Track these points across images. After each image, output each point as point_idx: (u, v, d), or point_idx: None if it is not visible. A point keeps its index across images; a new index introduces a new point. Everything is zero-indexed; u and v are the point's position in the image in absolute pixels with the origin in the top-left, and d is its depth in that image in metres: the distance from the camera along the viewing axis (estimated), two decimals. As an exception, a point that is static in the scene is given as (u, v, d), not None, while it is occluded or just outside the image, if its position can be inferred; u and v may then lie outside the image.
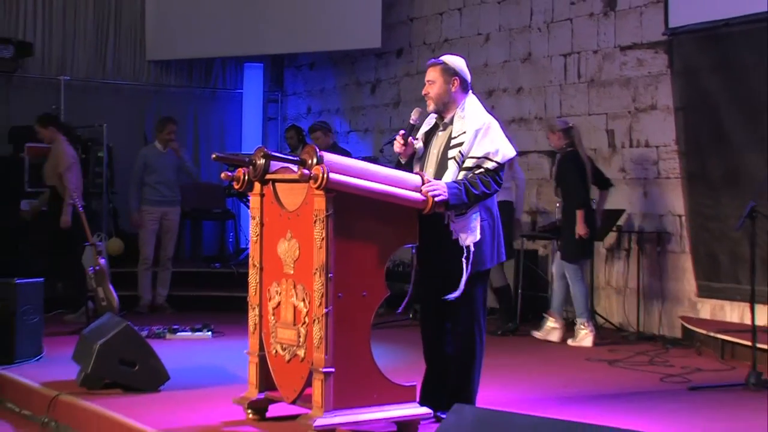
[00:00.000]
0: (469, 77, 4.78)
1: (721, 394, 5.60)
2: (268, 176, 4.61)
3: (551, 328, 7.52)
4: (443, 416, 3.59)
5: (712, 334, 6.91)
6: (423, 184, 4.44)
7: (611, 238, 8.22)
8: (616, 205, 8.15)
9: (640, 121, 8.15)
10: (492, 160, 4.52)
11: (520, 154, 9.06)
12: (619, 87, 8.32)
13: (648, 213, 8.07)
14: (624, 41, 8.28)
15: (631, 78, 8.22)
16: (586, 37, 8.59)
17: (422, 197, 4.38)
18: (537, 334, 7.55)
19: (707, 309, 7.55)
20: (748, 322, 6.20)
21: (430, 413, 4.47)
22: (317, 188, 4.17)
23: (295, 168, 4.39)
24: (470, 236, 4.49)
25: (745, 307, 7.01)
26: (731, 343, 6.71)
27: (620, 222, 8.06)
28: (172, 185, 9.00)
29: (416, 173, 4.54)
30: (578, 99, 8.67)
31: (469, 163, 4.51)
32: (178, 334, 7.56)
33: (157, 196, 8.89)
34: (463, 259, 4.46)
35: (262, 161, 4.57)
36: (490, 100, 9.25)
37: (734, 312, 7.32)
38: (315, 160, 4.20)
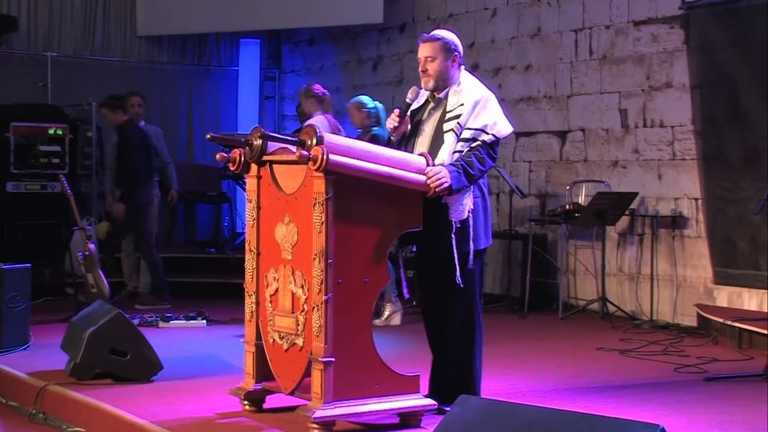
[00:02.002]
0: (462, 53, 4.81)
1: (739, 385, 5.61)
2: (265, 157, 4.61)
3: (390, 313, 7.67)
4: (447, 408, 3.60)
5: (729, 322, 6.91)
6: (428, 165, 4.45)
7: (623, 222, 8.22)
8: (629, 188, 8.16)
9: (655, 100, 8.14)
10: (489, 133, 4.58)
11: (528, 134, 9.11)
12: (632, 64, 8.30)
13: (662, 196, 8.07)
14: (638, 16, 8.25)
15: (646, 54, 8.20)
16: (598, 11, 8.57)
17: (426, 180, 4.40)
18: (377, 322, 7.47)
19: (724, 296, 7.55)
20: (767, 309, 6.20)
21: (434, 405, 4.48)
22: (316, 170, 4.17)
23: (293, 149, 4.39)
24: (458, 214, 4.53)
25: (764, 294, 7.02)
26: (749, 331, 6.71)
27: (633, 205, 8.06)
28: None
29: (421, 154, 4.55)
30: (590, 77, 8.65)
31: (466, 134, 4.57)
32: (172, 322, 7.58)
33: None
34: (453, 235, 4.49)
35: (259, 142, 4.57)
36: (497, 78, 9.24)
37: (752, 299, 7.32)
38: (314, 141, 4.20)
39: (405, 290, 4.88)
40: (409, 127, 4.80)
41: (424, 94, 4.82)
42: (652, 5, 8.13)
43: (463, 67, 4.80)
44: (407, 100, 4.77)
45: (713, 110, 7.70)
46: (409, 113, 4.80)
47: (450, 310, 4.66)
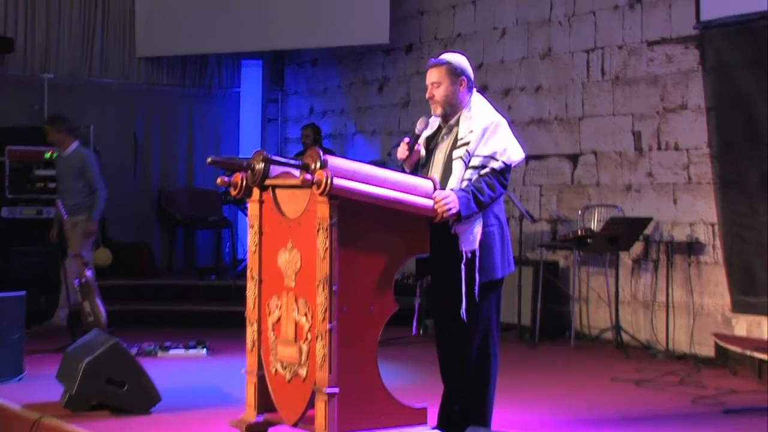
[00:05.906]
0: (473, 75, 4.80)
1: (759, 418, 5.58)
2: (267, 181, 4.61)
3: None
4: (457, 440, 3.59)
5: (748, 352, 6.89)
6: (435, 189, 4.45)
7: (638, 248, 8.21)
8: (643, 213, 8.15)
9: (669, 122, 8.15)
10: (498, 160, 4.57)
11: (538, 157, 9.12)
12: (646, 85, 8.32)
13: (678, 221, 8.06)
14: (651, 36, 8.28)
15: (660, 75, 8.21)
16: (611, 31, 8.59)
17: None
18: None
19: (743, 325, 7.52)
20: (786, 339, 6.19)
21: (443, 437, 4.46)
22: (320, 194, 4.18)
23: (296, 173, 4.40)
24: (468, 244, 4.51)
25: (784, 323, 7.00)
26: (769, 362, 6.69)
27: (647, 231, 8.05)
28: (74, 193, 8.59)
29: (428, 178, 4.55)
30: (602, 98, 8.67)
31: (475, 161, 4.56)
32: (171, 351, 7.57)
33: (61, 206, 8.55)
34: (462, 266, 4.48)
35: (261, 165, 4.57)
36: (506, 100, 9.26)
37: (772, 329, 7.31)
38: (318, 165, 4.21)
39: (414, 325, 4.88)
40: (423, 153, 4.80)
41: (436, 120, 4.82)
42: (666, 25, 8.16)
43: (475, 89, 4.80)
44: (416, 131, 4.77)
45: (729, 133, 7.70)
46: (422, 141, 4.80)
47: (464, 341, 4.64)
